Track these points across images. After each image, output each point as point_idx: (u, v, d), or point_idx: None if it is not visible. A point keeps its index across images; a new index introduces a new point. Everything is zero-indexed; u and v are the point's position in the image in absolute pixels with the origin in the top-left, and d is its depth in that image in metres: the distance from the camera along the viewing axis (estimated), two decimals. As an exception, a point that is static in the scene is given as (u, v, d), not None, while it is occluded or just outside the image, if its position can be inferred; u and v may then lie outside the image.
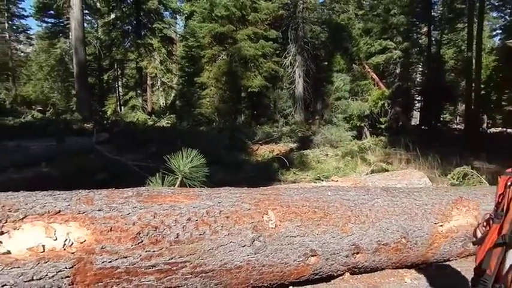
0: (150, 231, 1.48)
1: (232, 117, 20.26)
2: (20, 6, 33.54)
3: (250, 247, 1.77)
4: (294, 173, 8.66)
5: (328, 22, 21.37)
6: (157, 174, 2.57)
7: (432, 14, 22.72)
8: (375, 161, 8.62)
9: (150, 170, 5.10)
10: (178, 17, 28.82)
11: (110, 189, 1.64)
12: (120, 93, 26.75)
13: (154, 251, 1.49)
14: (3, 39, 32.04)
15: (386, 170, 7.05)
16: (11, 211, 1.34)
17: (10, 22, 32.73)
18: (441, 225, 2.57)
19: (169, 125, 16.86)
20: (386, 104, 17.44)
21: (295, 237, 1.96)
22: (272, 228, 1.91)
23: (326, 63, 21.48)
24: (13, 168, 3.56)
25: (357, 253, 2.23)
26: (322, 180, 7.55)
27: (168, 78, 25.58)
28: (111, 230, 1.42)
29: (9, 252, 1.26)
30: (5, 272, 1.24)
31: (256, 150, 12.05)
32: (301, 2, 19.99)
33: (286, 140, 14.39)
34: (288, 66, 20.42)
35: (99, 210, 1.45)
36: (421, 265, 2.73)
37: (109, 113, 23.01)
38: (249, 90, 19.67)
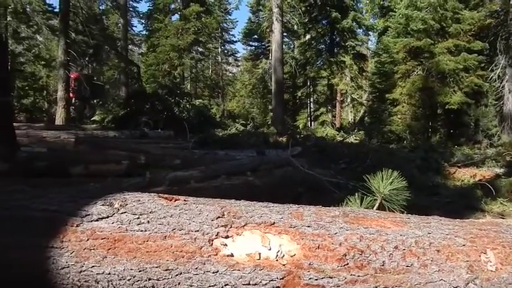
0: (355, 255, 1.44)
1: (425, 136, 18.91)
2: (231, 33, 38.64)
3: (464, 289, 1.55)
4: (502, 204, 7.46)
5: (553, 27, 17.94)
6: (356, 194, 2.53)
7: None
8: None
9: (340, 186, 5.12)
10: (371, 33, 28.57)
11: (318, 207, 1.67)
12: (311, 109, 27.94)
13: (359, 276, 1.45)
14: (216, 62, 37.39)
15: None
16: (235, 217, 1.48)
17: (222, 47, 38.04)
18: None
19: (357, 141, 16.73)
20: None
21: (520, 285, 1.64)
22: (491, 271, 1.64)
23: (546, 76, 18.03)
24: (224, 176, 4.08)
25: None
26: (542, 217, 6.26)
27: (358, 95, 25.54)
28: (318, 247, 1.44)
29: (232, 255, 1.39)
30: (228, 272, 1.38)
31: (454, 173, 10.84)
32: (515, 7, 17.35)
33: (491, 164, 12.52)
34: (495, 81, 17.95)
35: (308, 226, 1.49)
36: None
37: (300, 127, 24.26)
38: (446, 107, 18.04)
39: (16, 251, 1.43)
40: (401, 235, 1.57)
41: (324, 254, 1.44)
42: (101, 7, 29.78)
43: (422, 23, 17.98)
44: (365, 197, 2.54)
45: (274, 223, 1.48)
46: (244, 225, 1.46)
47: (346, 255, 1.44)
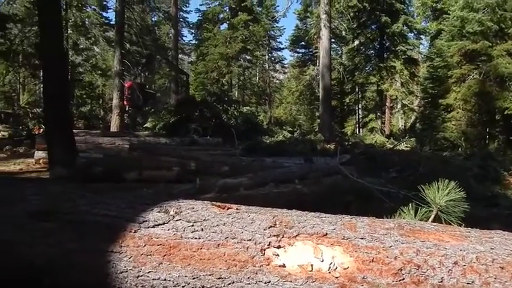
0: (412, 269, 1.39)
1: (482, 143, 17.99)
2: (278, 40, 38.87)
3: (532, 311, 1.45)
4: None
5: None
6: (410, 204, 2.44)
7: None
8: None
9: (391, 196, 4.95)
10: (423, 37, 27.62)
11: (371, 218, 1.63)
12: (360, 116, 27.41)
13: (416, 292, 1.39)
14: (263, 69, 37.69)
15: None
16: (286, 227, 1.48)
17: (269, 54, 38.33)
18: None
19: (408, 148, 16.17)
20: None
21: None
22: None
23: None
24: (273, 183, 4.08)
25: None
26: None
27: (409, 100, 24.73)
28: (372, 260, 1.39)
29: (284, 266, 1.38)
30: (280, 283, 1.37)
31: (515, 183, 10.21)
32: None
33: (558, 175, 11.69)
34: (561, 84, 16.86)
35: (362, 238, 1.45)
36: None
37: (348, 134, 23.87)
38: (505, 113, 17.14)
39: (79, 254, 1.51)
40: (461, 250, 1.49)
41: (378, 267, 1.39)
42: (153, 19, 30.99)
43: (479, 24, 17.19)
44: (419, 208, 2.44)
45: (326, 234, 1.46)
46: (297, 235, 1.45)
47: (401, 270, 1.39)
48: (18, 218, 1.62)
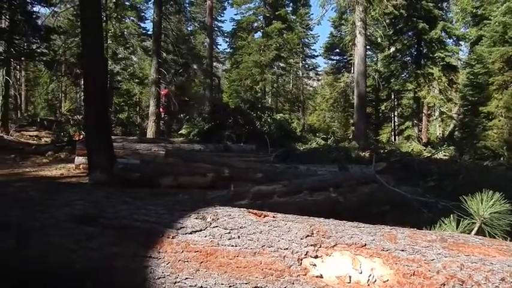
0: (456, 285, 1.33)
1: (526, 153, 17.18)
2: (312, 48, 38.71)
3: None
4: None
5: None
6: (451, 216, 2.35)
7: None
8: None
9: (429, 206, 4.80)
10: (462, 43, 26.77)
11: (412, 229, 1.58)
12: (395, 123, 26.84)
13: (460, 308, 1.33)
14: (297, 76, 37.65)
15: None
16: (324, 237, 1.45)
17: (303, 62, 38.25)
18: None
19: (446, 157, 15.66)
20: None
21: None
22: None
23: None
24: (307, 191, 4.04)
25: None
26: None
27: (447, 108, 23.97)
28: (413, 274, 1.35)
29: (321, 277, 1.36)
30: (317, 294, 1.35)
31: None
32: None
33: None
34: None
35: (402, 250, 1.41)
36: None
37: (383, 142, 23.39)
38: (551, 121, 16.35)
39: (119, 259, 1.55)
40: (508, 266, 1.42)
41: (419, 281, 1.35)
42: (189, 28, 31.64)
43: (523, 30, 16.55)
44: (461, 219, 2.34)
45: (365, 245, 1.42)
46: (334, 245, 1.42)
47: (444, 285, 1.34)
48: (62, 222, 1.68)
